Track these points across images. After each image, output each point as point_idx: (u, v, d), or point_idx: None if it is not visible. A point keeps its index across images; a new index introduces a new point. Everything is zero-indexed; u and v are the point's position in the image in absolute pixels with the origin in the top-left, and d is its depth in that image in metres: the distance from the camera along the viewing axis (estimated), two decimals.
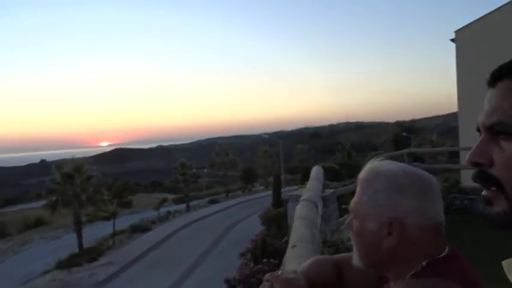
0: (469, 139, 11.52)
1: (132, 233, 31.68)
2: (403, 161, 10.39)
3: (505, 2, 12.46)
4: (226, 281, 14.26)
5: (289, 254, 1.68)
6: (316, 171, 4.32)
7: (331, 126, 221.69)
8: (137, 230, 32.13)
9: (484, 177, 0.62)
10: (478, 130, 0.66)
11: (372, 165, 1.08)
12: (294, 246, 1.77)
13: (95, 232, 31.83)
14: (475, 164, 0.63)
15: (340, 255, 1.37)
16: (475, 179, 0.63)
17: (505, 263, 0.71)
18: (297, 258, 1.55)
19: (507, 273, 0.69)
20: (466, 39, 13.24)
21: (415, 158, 11.32)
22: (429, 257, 1.01)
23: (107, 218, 30.96)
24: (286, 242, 6.53)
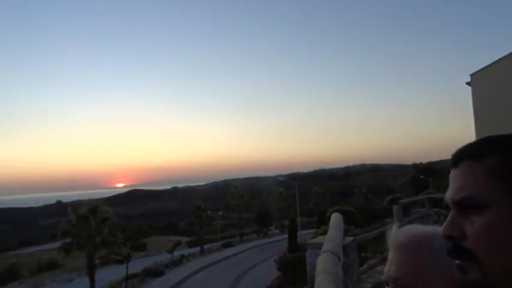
0: None
1: (145, 277, 31.17)
2: (423, 206, 10.14)
3: None
4: None
5: None
6: (336, 218, 4.21)
7: (347, 168, 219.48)
8: (150, 274, 31.62)
9: (457, 249, 0.68)
10: (447, 206, 0.72)
11: (406, 230, 1.04)
12: None
13: (108, 275, 31.41)
14: (448, 238, 0.69)
15: None
16: (449, 252, 0.69)
17: None
18: None
19: None
20: (481, 82, 13.24)
21: (435, 202, 11.03)
22: None
23: (120, 261, 30.60)
24: None
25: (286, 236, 31.67)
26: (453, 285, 0.99)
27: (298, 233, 29.07)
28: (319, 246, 5.28)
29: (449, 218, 0.71)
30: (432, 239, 1.01)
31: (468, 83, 13.80)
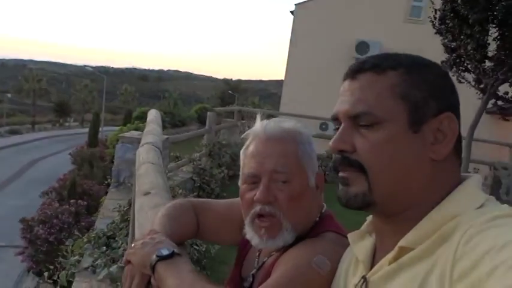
0: (289, 107, 12.69)
1: None
2: (233, 117, 10.79)
3: None
4: (23, 220, 12.79)
5: (144, 202, 1.44)
6: (155, 114, 4.05)
7: (161, 71, 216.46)
8: None
9: (347, 162, 0.69)
10: (335, 119, 0.73)
11: (275, 122, 1.00)
12: (147, 193, 1.53)
13: None
14: (339, 151, 0.70)
15: (196, 200, 1.26)
16: (339, 163, 0.71)
17: (350, 235, 0.82)
18: (155, 208, 1.35)
19: (351, 243, 0.80)
20: (304, 15, 14.24)
21: (242, 117, 11.91)
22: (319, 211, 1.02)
23: None
24: (108, 185, 6.10)
25: (86, 130, 30.12)
26: (319, 179, 0.98)
27: (100, 129, 27.92)
28: (131, 140, 5.10)
29: (340, 131, 0.70)
30: (299, 133, 0.99)
31: (292, 12, 14.67)
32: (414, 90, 0.67)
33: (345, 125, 0.70)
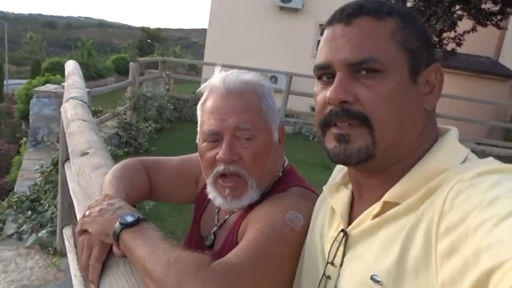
0: (213, 56, 12.38)
1: None
2: (157, 68, 10.28)
3: None
4: None
5: (83, 163, 1.32)
6: (74, 65, 3.67)
7: (70, 18, 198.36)
8: None
9: (348, 114, 0.64)
10: (324, 68, 0.67)
11: (236, 74, 0.93)
12: (85, 154, 1.40)
13: None
14: (340, 102, 0.64)
15: (146, 159, 1.15)
16: (337, 115, 0.65)
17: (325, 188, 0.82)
18: (98, 170, 1.24)
19: (328, 196, 0.79)
20: None
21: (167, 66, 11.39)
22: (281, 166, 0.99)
23: None
24: (19, 145, 5.61)
25: None
26: (282, 132, 0.95)
27: (5, 82, 25.34)
28: (48, 94, 4.66)
29: (339, 80, 0.64)
30: (261, 85, 0.93)
31: None
32: (411, 39, 0.65)
33: (343, 74, 0.64)
